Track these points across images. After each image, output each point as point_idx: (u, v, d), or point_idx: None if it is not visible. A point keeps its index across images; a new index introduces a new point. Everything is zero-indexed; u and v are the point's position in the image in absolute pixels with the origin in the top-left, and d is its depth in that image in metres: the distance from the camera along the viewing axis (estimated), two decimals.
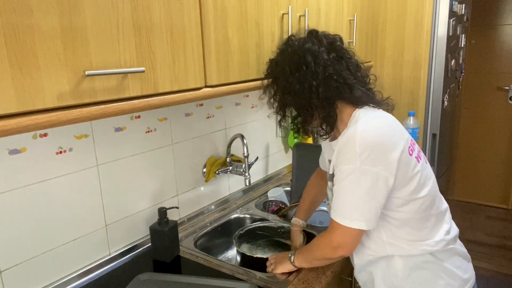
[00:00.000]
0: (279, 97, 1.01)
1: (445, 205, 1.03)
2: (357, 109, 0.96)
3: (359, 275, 1.07)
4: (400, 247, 0.94)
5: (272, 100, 1.03)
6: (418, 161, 0.93)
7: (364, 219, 0.88)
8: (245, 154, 1.48)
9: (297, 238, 1.28)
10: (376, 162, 0.85)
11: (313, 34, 0.99)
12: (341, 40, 1.01)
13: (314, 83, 0.92)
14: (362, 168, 0.85)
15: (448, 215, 1.03)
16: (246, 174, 1.51)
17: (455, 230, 1.02)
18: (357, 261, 1.05)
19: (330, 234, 0.93)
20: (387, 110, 1.01)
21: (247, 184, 1.52)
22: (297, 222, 1.30)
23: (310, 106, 0.94)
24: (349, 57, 0.99)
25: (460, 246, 1.01)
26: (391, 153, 0.86)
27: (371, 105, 0.98)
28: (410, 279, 0.94)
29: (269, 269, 1.16)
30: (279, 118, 1.04)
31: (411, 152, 0.91)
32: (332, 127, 0.97)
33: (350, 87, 0.95)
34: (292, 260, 1.11)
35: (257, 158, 1.72)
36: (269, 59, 1.06)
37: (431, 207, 0.95)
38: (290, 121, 1.05)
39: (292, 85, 0.94)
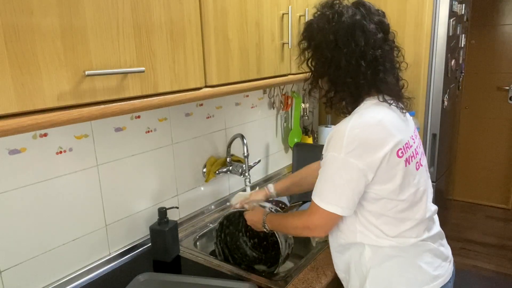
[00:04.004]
0: (317, 66, 0.98)
1: (428, 213, 1.00)
2: (365, 100, 0.96)
3: (338, 271, 1.09)
4: (370, 237, 0.96)
5: (306, 65, 1.01)
6: (406, 165, 0.92)
7: (340, 205, 0.91)
8: (245, 154, 1.48)
9: (257, 195, 1.30)
10: (359, 157, 0.88)
11: (361, 4, 0.94)
12: (385, 17, 0.97)
13: (362, 62, 0.91)
14: (345, 159, 0.88)
15: (429, 220, 1.01)
16: (246, 174, 1.51)
17: (434, 231, 1.01)
18: (332, 243, 1.07)
19: (309, 216, 0.96)
20: (403, 108, 1.00)
21: (248, 183, 1.52)
22: (270, 188, 1.30)
23: (353, 85, 0.94)
24: (392, 40, 0.98)
25: (438, 245, 1.01)
26: (376, 152, 0.88)
27: (387, 98, 0.96)
28: (377, 270, 0.96)
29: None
30: (309, 88, 1.03)
31: (400, 155, 0.91)
32: (353, 109, 0.97)
33: (386, 73, 0.94)
34: (265, 227, 1.14)
35: (259, 161, 1.72)
36: (308, 21, 1.00)
37: (407, 212, 0.95)
38: (322, 93, 1.02)
39: (338, 60, 0.92)
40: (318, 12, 0.97)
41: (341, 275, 1.08)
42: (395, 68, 0.99)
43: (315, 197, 0.94)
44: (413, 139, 0.99)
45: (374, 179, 0.90)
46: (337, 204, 0.91)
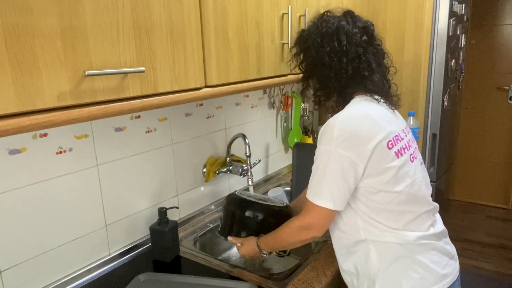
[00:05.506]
0: (306, 67, 1.07)
1: (429, 207, 1.01)
2: (356, 96, 1.01)
3: (345, 276, 1.07)
4: (374, 232, 0.96)
5: (298, 68, 1.10)
6: (398, 157, 0.94)
7: (331, 199, 0.92)
8: (247, 154, 1.47)
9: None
10: (349, 148, 0.90)
11: (348, 14, 1.02)
12: (372, 26, 1.05)
13: (344, 59, 0.97)
14: (335, 151, 0.91)
15: (432, 215, 1.02)
16: (249, 174, 1.51)
17: (438, 229, 1.02)
18: (336, 246, 1.07)
19: (304, 216, 0.98)
20: (392, 105, 1.04)
21: (250, 183, 1.51)
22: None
23: (336, 81, 0.99)
24: (377, 44, 1.03)
25: (444, 244, 1.01)
26: (366, 143, 0.91)
27: (375, 96, 1.00)
28: (385, 273, 0.97)
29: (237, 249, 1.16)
30: (301, 88, 1.13)
31: (390, 146, 0.93)
32: (343, 107, 1.00)
33: (371, 72, 0.99)
34: (263, 252, 1.09)
35: (259, 161, 1.72)
36: (300, 30, 1.11)
37: (407, 204, 0.96)
38: (312, 92, 1.10)
39: (322, 58, 0.99)
40: (311, 23, 1.08)
41: (347, 279, 1.07)
42: (382, 70, 1.04)
43: (309, 195, 0.96)
44: (404, 132, 1.01)
45: (366, 171, 0.92)
46: (329, 198, 0.93)
